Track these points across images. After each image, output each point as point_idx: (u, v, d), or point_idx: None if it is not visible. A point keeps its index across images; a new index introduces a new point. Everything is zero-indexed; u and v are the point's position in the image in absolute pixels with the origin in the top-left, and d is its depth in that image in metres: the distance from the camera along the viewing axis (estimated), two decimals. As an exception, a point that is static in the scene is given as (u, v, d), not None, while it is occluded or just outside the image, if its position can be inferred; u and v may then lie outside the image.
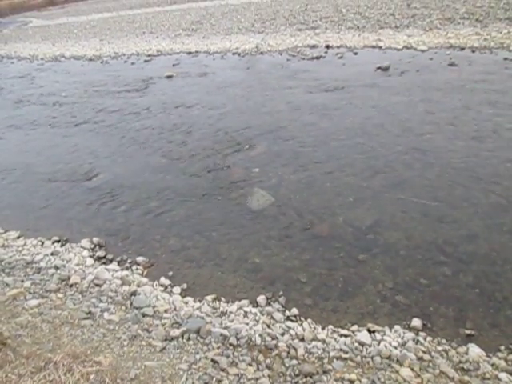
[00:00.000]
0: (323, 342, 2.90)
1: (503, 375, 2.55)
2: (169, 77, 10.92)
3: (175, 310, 3.31)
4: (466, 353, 2.74)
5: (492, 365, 2.64)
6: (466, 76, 8.10)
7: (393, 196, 4.59)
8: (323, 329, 3.05)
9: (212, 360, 2.73)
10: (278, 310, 3.25)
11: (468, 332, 2.94)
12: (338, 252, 3.87)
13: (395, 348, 2.79)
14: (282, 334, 2.98)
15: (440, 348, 2.80)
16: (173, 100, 8.91)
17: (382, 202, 4.52)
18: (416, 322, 3.02)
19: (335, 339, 2.92)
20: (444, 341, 2.87)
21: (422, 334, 2.93)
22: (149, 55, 13.97)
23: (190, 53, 13.45)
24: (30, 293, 3.57)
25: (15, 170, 6.47)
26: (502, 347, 2.79)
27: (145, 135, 7.18)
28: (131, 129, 7.57)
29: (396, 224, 4.15)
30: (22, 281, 3.76)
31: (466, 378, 2.55)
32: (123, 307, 3.36)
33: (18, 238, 4.63)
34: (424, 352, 2.76)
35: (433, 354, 2.74)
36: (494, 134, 5.68)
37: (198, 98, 8.88)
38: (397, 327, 3.00)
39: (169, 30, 18.17)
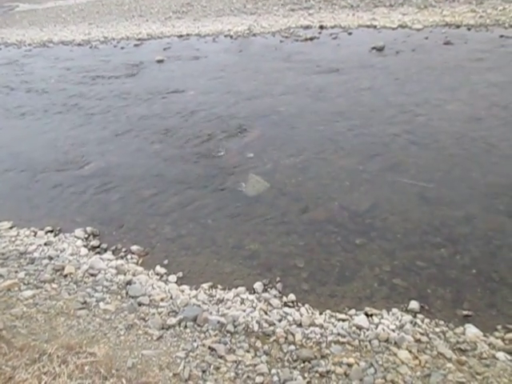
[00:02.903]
0: (321, 326, 2.90)
1: (500, 354, 2.56)
2: (160, 61, 10.72)
3: (171, 298, 3.29)
4: (464, 333, 2.75)
5: (489, 344, 2.65)
6: (462, 55, 8.00)
7: (389, 179, 4.56)
8: (321, 314, 3.04)
9: (209, 347, 2.73)
10: (275, 297, 3.24)
11: (465, 313, 2.95)
12: (334, 237, 3.84)
13: (393, 331, 2.80)
14: (280, 320, 2.97)
15: (437, 329, 2.80)
16: (164, 85, 8.76)
17: (379, 185, 4.49)
18: (413, 305, 3.02)
19: (333, 324, 2.92)
20: (441, 322, 2.87)
21: (419, 316, 2.93)
22: (139, 39, 13.71)
23: (180, 36, 13.20)
24: (25, 283, 3.53)
25: (5, 160, 6.35)
26: (499, 327, 2.81)
27: (136, 121, 7.06)
28: (122, 115, 7.44)
29: (393, 207, 4.12)
30: (16, 271, 3.71)
31: (464, 358, 2.55)
32: (119, 296, 3.33)
33: (11, 228, 4.56)
34: (422, 334, 2.76)
35: (430, 335, 2.75)
36: (489, 113, 5.63)
37: (189, 82, 8.74)
38: (394, 310, 3.00)
39: (159, 12, 17.80)
